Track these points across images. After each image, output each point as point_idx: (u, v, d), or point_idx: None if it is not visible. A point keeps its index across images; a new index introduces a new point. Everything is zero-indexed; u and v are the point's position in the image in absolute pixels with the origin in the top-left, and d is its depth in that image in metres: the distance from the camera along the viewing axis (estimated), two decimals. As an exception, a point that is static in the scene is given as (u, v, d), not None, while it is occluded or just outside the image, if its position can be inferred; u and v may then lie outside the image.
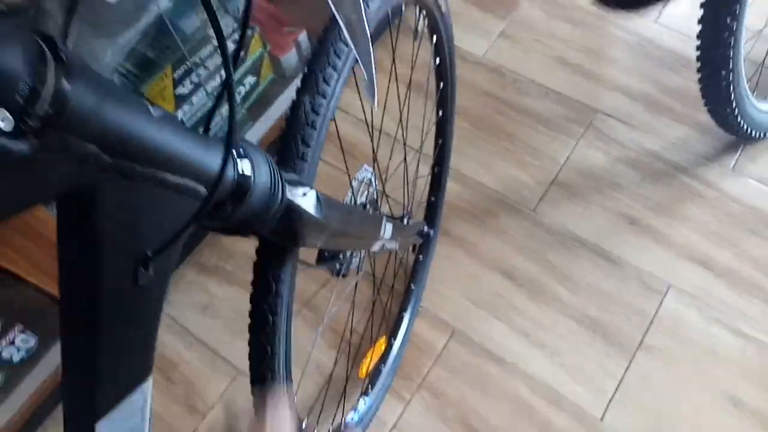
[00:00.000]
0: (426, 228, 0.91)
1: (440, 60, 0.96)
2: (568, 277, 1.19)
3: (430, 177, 1.17)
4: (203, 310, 1.22)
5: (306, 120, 0.53)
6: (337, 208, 0.56)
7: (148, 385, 0.42)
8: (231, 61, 0.36)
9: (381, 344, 1.11)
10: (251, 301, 0.56)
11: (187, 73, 1.17)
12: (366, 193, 0.81)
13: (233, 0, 1.22)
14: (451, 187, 1.30)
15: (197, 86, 1.19)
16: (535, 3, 1.55)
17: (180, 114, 1.18)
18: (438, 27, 0.87)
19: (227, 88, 0.34)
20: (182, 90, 1.17)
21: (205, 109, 1.22)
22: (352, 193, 0.76)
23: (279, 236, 0.50)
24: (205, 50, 1.18)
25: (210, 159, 0.37)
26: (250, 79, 1.28)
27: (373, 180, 0.82)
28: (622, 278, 1.18)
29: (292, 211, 0.47)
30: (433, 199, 1.18)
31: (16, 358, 1.02)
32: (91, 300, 0.35)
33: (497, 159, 1.35)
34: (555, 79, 1.43)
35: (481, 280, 1.20)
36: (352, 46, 0.36)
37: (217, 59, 1.20)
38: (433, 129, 1.09)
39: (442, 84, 1.02)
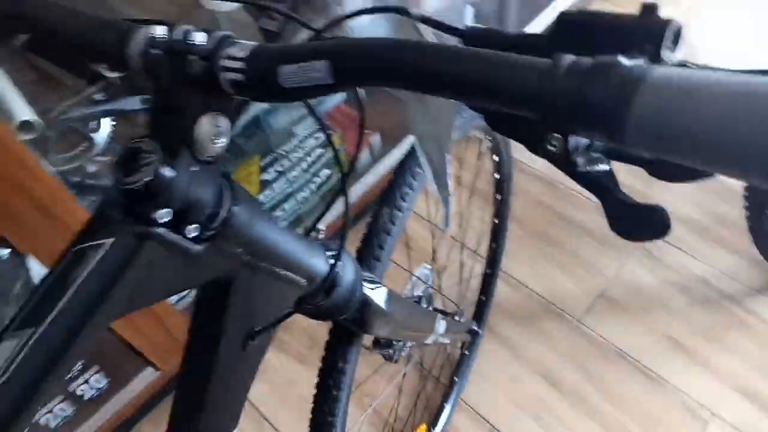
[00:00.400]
0: (475, 326, 0.98)
1: (500, 176, 1.07)
2: (611, 391, 1.21)
3: (481, 277, 1.24)
4: (257, 375, 1.30)
5: (384, 229, 0.63)
6: (402, 304, 0.65)
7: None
8: (345, 178, 0.47)
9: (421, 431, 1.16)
10: (319, 375, 0.64)
11: (272, 162, 1.33)
12: (423, 288, 0.90)
13: (321, 104, 1.39)
14: (501, 288, 1.36)
15: (280, 174, 1.34)
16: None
17: (262, 197, 1.32)
18: (500, 150, 0.99)
19: (345, 200, 0.45)
20: (266, 176, 1.32)
21: (283, 195, 1.36)
22: (412, 287, 0.85)
23: (352, 323, 0.59)
24: (289, 144, 1.34)
25: (315, 259, 0.48)
26: (326, 172, 1.42)
27: (430, 277, 0.91)
28: (664, 399, 1.19)
29: (367, 304, 0.57)
30: (483, 298, 1.25)
31: (87, 395, 1.12)
32: (210, 357, 0.45)
33: (547, 266, 1.42)
34: (608, 196, 1.51)
35: (523, 382, 1.24)
36: (435, 186, 0.46)
37: (299, 152, 1.36)
38: (489, 234, 1.19)
39: (499, 195, 1.12)
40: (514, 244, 1.43)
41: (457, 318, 0.92)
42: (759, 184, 0.19)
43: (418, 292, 0.88)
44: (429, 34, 0.36)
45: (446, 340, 0.84)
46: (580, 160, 0.25)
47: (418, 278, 0.88)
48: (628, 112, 0.20)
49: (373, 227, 0.63)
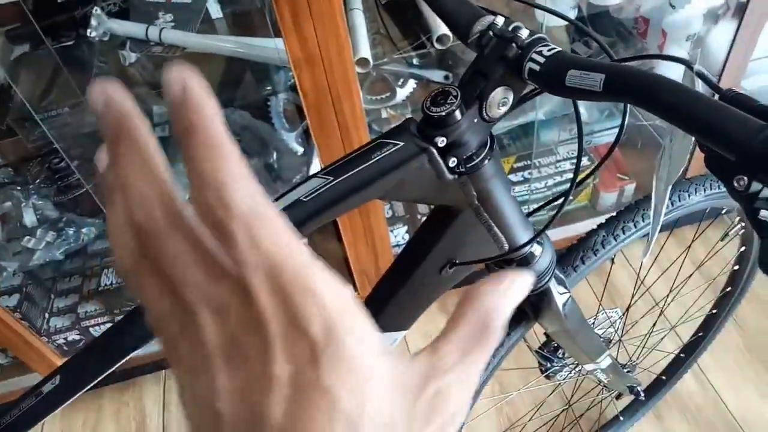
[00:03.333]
0: (639, 389, 0.97)
1: (739, 267, 1.02)
2: None
3: (672, 358, 1.19)
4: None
5: (592, 247, 0.70)
6: (578, 317, 0.72)
7: (402, 334, 0.64)
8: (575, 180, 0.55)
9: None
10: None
11: (524, 167, 1.44)
12: (605, 329, 0.93)
13: (594, 137, 1.44)
14: (689, 382, 1.29)
15: (526, 180, 1.44)
16: None
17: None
18: (750, 241, 0.94)
19: (564, 199, 0.54)
20: (513, 177, 1.43)
21: (520, 199, 1.46)
22: (595, 318, 0.89)
23: (528, 305, 0.68)
24: (546, 159, 1.43)
25: (522, 233, 0.58)
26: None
27: (618, 322, 0.94)
28: None
29: (547, 296, 0.65)
30: (663, 378, 1.20)
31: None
32: (412, 267, 0.58)
33: (753, 389, 1.28)
34: None
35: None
36: (651, 215, 0.52)
37: (551, 169, 1.44)
38: (700, 320, 1.13)
39: (729, 288, 1.06)
40: (726, 350, 1.33)
41: (626, 370, 0.93)
42: None
43: (599, 330, 0.92)
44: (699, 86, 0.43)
45: (604, 378, 0.86)
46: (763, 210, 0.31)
47: (607, 315, 0.91)
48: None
49: (583, 241, 0.70)
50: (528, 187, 1.45)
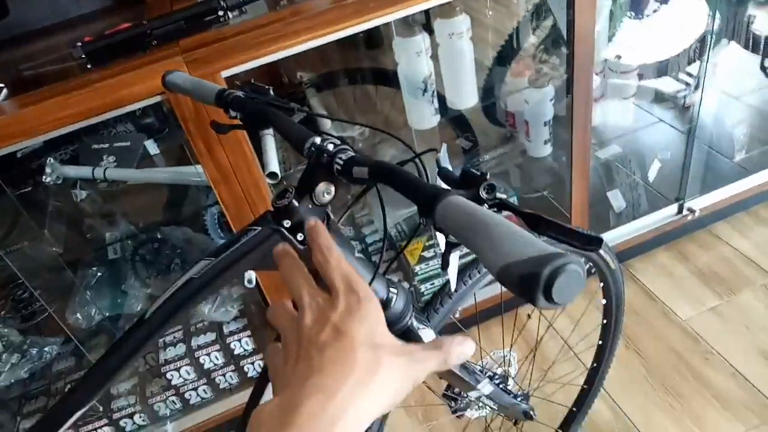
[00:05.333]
0: (532, 413, 1.13)
1: (606, 300, 1.23)
2: None
3: (579, 390, 1.36)
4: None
5: (448, 292, 0.90)
6: None
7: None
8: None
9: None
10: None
11: (434, 245, 1.65)
12: (496, 368, 1.11)
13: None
14: (602, 411, 1.44)
15: (434, 257, 1.65)
16: (760, 295, 1.64)
17: (417, 269, 1.64)
18: (606, 278, 1.16)
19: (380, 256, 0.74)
20: (425, 254, 1.65)
21: (434, 271, 1.66)
22: (482, 360, 1.07)
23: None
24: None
25: (375, 283, 0.77)
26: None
27: (506, 359, 1.11)
28: None
29: (410, 332, 0.84)
30: (574, 409, 1.36)
31: (237, 350, 1.52)
32: None
33: (659, 411, 1.44)
34: (750, 367, 1.48)
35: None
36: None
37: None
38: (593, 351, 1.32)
39: (605, 320, 1.27)
40: (634, 381, 1.50)
41: (517, 399, 1.10)
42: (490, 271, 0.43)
43: (497, 370, 1.09)
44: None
45: (491, 404, 1.03)
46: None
47: (492, 358, 1.09)
48: (435, 211, 0.47)
49: (441, 289, 0.90)
50: (436, 262, 1.66)
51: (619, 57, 1.65)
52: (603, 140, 1.80)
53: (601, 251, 1.10)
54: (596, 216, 1.69)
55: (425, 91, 1.32)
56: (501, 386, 1.05)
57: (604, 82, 1.72)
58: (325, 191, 0.67)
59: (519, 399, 1.11)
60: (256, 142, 1.31)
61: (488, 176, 0.51)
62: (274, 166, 1.30)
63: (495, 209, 0.51)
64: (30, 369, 1.39)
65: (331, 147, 0.66)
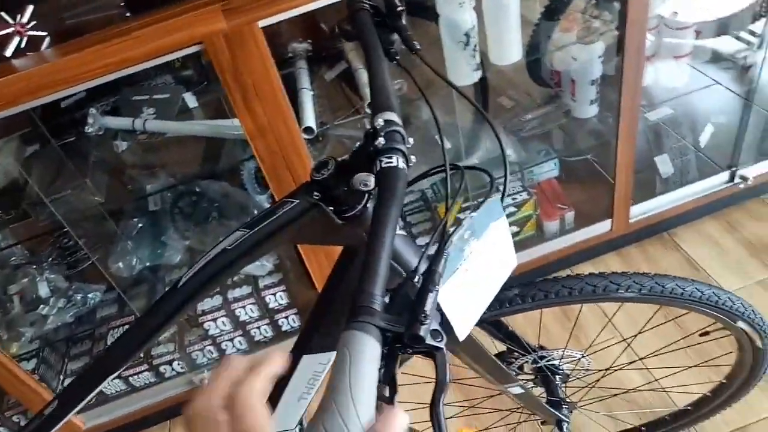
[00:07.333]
0: (565, 426, 1.09)
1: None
2: None
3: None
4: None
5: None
6: (476, 349, 0.86)
7: (333, 354, 0.79)
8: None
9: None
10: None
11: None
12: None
13: (536, 174, 1.63)
14: (635, 380, 1.42)
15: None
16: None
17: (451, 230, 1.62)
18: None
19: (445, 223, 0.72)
20: (461, 216, 1.62)
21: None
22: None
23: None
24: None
25: (415, 258, 0.76)
26: (513, 229, 1.66)
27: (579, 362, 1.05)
28: None
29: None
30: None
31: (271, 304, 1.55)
32: (330, 296, 0.74)
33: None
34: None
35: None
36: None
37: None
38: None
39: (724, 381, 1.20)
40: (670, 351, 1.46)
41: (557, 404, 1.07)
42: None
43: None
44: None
45: (520, 403, 1.01)
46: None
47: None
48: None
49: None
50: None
51: (675, 13, 1.55)
52: (653, 102, 1.71)
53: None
54: (641, 182, 1.63)
55: (467, 44, 1.26)
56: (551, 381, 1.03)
57: (657, 40, 1.63)
58: (363, 182, 0.57)
59: (562, 404, 1.07)
60: (292, 96, 1.30)
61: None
62: (310, 120, 1.29)
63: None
64: (75, 313, 1.45)
65: (381, 142, 0.56)
